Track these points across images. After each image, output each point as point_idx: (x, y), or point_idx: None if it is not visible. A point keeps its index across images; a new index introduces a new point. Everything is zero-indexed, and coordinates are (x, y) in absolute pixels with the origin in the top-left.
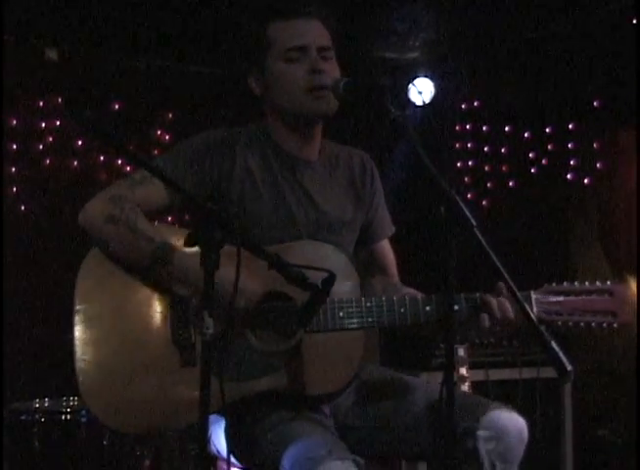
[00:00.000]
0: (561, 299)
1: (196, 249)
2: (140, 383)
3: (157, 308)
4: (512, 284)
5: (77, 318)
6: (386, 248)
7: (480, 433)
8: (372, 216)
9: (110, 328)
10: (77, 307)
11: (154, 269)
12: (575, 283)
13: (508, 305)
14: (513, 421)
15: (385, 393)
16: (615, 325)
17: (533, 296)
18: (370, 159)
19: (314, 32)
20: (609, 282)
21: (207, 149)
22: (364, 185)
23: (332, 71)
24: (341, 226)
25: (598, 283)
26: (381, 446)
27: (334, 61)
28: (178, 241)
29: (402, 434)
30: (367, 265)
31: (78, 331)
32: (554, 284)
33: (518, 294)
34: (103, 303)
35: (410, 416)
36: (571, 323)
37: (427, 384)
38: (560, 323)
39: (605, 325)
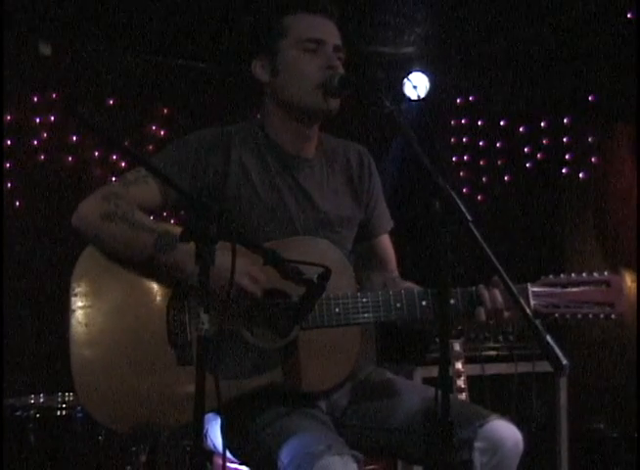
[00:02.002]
0: (558, 290)
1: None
2: (136, 382)
3: (152, 307)
4: (507, 279)
5: (73, 317)
6: (385, 242)
7: (477, 444)
8: (370, 211)
9: (105, 327)
10: (72, 307)
11: (156, 259)
12: (573, 274)
13: (498, 295)
14: (509, 433)
15: (382, 394)
16: (612, 316)
17: (530, 288)
18: (367, 152)
19: (331, 30)
20: (606, 273)
21: (201, 148)
22: (362, 180)
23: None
24: (339, 224)
25: (595, 274)
26: (377, 446)
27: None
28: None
29: (397, 436)
30: (366, 260)
31: (74, 330)
32: (551, 276)
33: (513, 288)
34: (98, 301)
35: (406, 419)
36: (568, 315)
37: (424, 388)
38: (557, 315)
39: (602, 316)
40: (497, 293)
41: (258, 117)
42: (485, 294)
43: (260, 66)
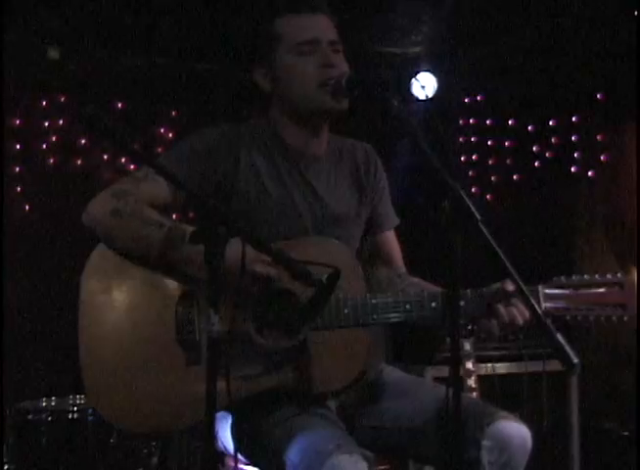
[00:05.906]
0: (569, 292)
1: None
2: (145, 382)
3: (161, 306)
4: (518, 278)
5: (82, 318)
6: (391, 238)
7: (485, 443)
8: (376, 207)
9: (114, 326)
10: (82, 308)
11: (166, 254)
12: (585, 276)
13: (516, 313)
14: (517, 432)
15: (392, 394)
16: (625, 318)
17: (542, 290)
18: (373, 150)
19: (323, 26)
20: (619, 274)
21: (210, 146)
22: (368, 178)
23: (341, 65)
24: (347, 220)
25: (608, 275)
26: (388, 446)
27: (342, 54)
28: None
29: (410, 436)
30: (372, 256)
31: (83, 330)
32: (562, 277)
33: (524, 287)
34: (107, 302)
35: (417, 419)
36: (579, 317)
37: (435, 386)
38: (568, 317)
39: (614, 318)
40: (514, 311)
41: (267, 115)
42: (501, 310)
43: (261, 74)
